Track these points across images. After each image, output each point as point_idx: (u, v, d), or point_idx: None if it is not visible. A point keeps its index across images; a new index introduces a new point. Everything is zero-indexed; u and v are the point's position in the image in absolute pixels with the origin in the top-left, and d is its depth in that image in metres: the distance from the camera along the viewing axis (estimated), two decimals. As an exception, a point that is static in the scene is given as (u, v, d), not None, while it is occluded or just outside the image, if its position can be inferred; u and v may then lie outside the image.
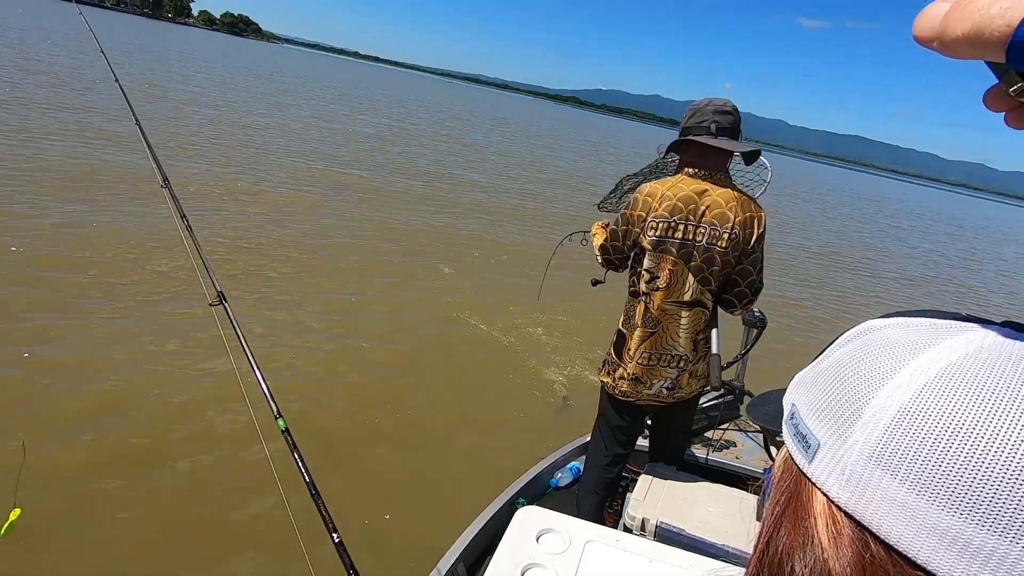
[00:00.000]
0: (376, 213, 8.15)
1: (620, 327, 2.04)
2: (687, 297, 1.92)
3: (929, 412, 0.28)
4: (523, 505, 2.12)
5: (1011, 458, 0.25)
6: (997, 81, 0.27)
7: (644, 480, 2.04)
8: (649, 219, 1.88)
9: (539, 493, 2.50)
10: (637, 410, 2.09)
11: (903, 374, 0.29)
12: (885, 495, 0.28)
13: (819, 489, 0.31)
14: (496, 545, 1.49)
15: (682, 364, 1.98)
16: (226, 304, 1.87)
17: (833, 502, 0.30)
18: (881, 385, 0.30)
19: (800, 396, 0.35)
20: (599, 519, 2.14)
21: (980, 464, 0.26)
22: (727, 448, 2.68)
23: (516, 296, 5.81)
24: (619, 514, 2.14)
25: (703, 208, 1.85)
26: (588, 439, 2.74)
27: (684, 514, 1.91)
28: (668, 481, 2.05)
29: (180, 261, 4.75)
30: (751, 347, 2.41)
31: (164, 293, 4.43)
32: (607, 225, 2.13)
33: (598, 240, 2.13)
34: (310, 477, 1.47)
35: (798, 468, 0.33)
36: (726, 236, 1.85)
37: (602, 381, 2.09)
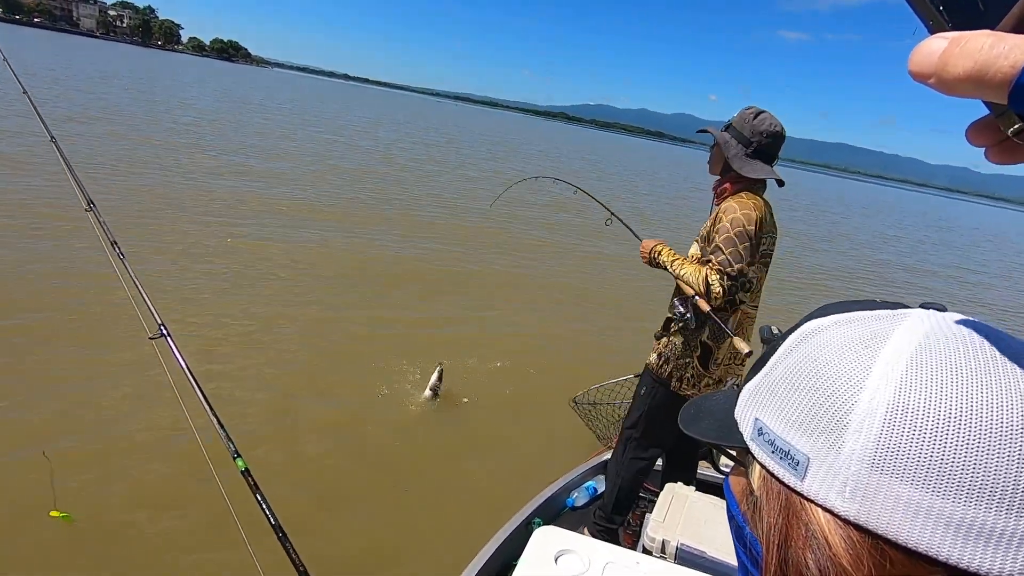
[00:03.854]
0: (321, 235, 7.49)
1: (705, 340, 2.07)
2: (760, 298, 2.12)
3: (915, 407, 0.28)
4: (539, 525, 2.09)
5: (1005, 434, 0.26)
6: (984, 114, 0.26)
7: (663, 500, 2.02)
8: (762, 236, 1.99)
9: (555, 513, 2.46)
10: None
11: (875, 373, 0.30)
12: (896, 499, 0.27)
13: (819, 506, 0.30)
14: (512, 566, 1.46)
15: (745, 361, 2.10)
16: (169, 337, 1.73)
17: (839, 516, 0.29)
18: (859, 388, 0.30)
19: (763, 410, 0.35)
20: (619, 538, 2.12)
21: (979, 446, 0.26)
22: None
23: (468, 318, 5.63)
24: (638, 535, 2.11)
25: (772, 219, 2.07)
26: (605, 458, 2.72)
27: (705, 536, 1.88)
28: (688, 501, 2.02)
29: (113, 294, 3.91)
30: (764, 355, 2.37)
31: (97, 328, 3.99)
32: (706, 260, 2.01)
33: (702, 268, 1.98)
34: (275, 519, 1.35)
35: (785, 487, 0.32)
36: (774, 242, 2.10)
37: (686, 394, 2.11)
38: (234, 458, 1.44)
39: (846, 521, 0.29)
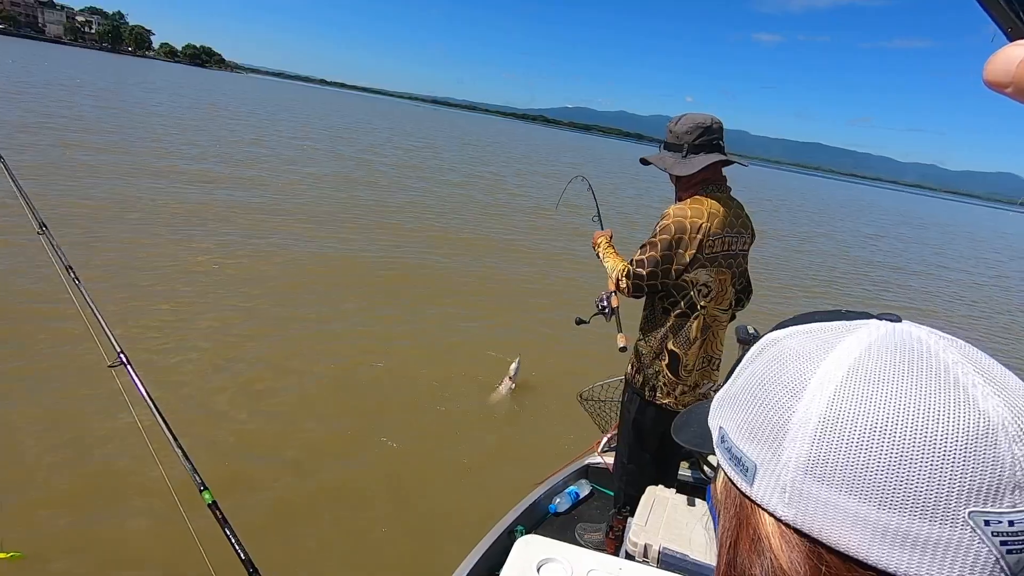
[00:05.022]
0: (290, 249, 7.09)
1: (671, 347, 2.04)
2: (729, 303, 2.07)
3: (845, 417, 0.29)
4: (522, 533, 2.08)
5: (929, 444, 0.27)
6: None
7: (644, 504, 2.01)
8: (702, 239, 1.92)
9: (538, 520, 2.45)
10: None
11: (813, 383, 0.31)
12: (827, 505, 0.29)
13: (765, 510, 0.32)
14: (495, 576, 1.44)
15: (720, 365, 2.10)
16: (129, 365, 1.65)
17: (781, 521, 0.31)
18: (797, 398, 0.31)
19: (725, 418, 0.36)
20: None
21: (903, 456, 0.27)
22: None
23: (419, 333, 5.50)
24: (621, 540, 2.11)
25: (738, 219, 2.01)
26: (586, 462, 2.71)
27: (686, 538, 1.88)
28: (669, 504, 2.02)
29: (69, 321, 3.76)
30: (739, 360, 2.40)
31: (53, 357, 3.78)
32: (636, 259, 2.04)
33: (619, 265, 2.04)
34: (245, 554, 1.30)
35: (740, 492, 0.34)
36: (748, 240, 2.06)
37: (662, 403, 2.09)
38: (201, 491, 1.38)
39: (787, 526, 0.30)
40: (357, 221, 9.34)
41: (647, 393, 2.10)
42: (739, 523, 0.34)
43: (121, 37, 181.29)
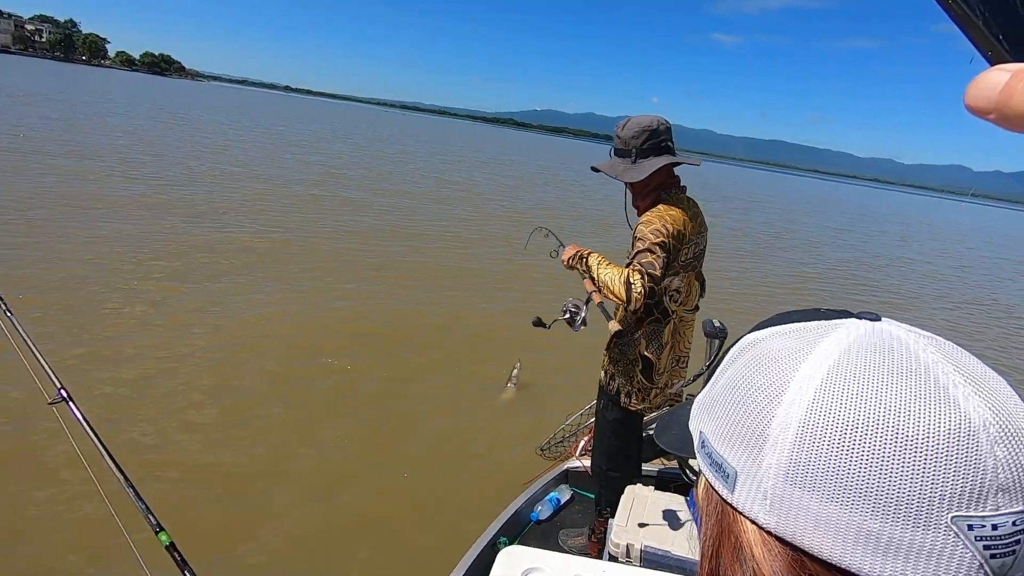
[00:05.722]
0: (246, 277, 6.36)
1: (644, 353, 2.02)
2: (694, 302, 2.08)
3: (824, 421, 0.29)
4: (505, 545, 2.07)
5: (908, 447, 0.27)
6: None
7: (624, 504, 2.03)
8: (682, 247, 1.90)
9: (520, 529, 2.44)
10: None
11: (793, 387, 0.30)
12: (808, 512, 0.28)
13: (747, 518, 0.31)
14: (481, 590, 1.43)
15: (688, 363, 2.12)
16: (70, 401, 1.53)
17: (763, 528, 0.30)
18: (777, 403, 0.31)
19: (705, 423, 0.35)
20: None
21: (882, 460, 0.27)
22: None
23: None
24: (603, 543, 2.12)
25: (698, 218, 1.99)
26: (565, 467, 2.71)
27: (667, 535, 1.90)
28: (648, 502, 2.04)
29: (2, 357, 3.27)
30: (715, 359, 2.44)
31: None
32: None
33: (623, 270, 1.86)
34: None
35: (721, 498, 0.33)
36: (706, 240, 2.06)
37: (637, 409, 2.09)
38: (156, 532, 1.28)
39: (769, 533, 0.30)
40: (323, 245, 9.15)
41: (623, 400, 2.11)
42: (721, 531, 0.33)
43: (74, 46, 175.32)
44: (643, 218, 1.91)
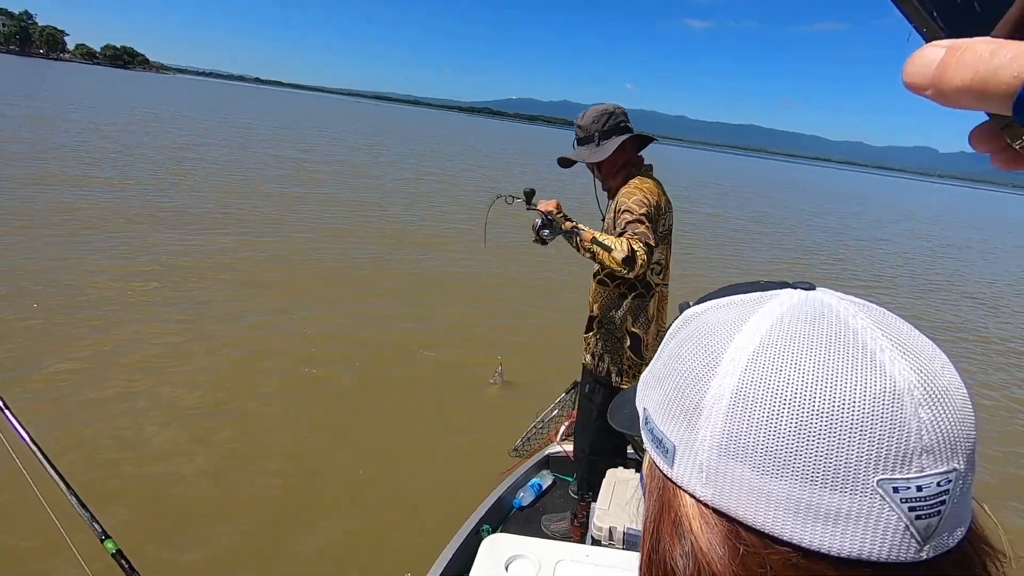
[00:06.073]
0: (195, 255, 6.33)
1: (632, 329, 2.05)
2: (671, 275, 2.12)
3: (754, 392, 0.29)
4: (488, 533, 2.07)
5: (835, 416, 0.27)
6: (985, 120, 0.24)
7: (606, 488, 2.04)
8: (660, 217, 1.97)
9: (503, 516, 2.44)
10: None
11: (726, 359, 0.31)
12: (742, 483, 0.29)
13: (686, 492, 0.31)
14: (466, 579, 1.44)
15: None
16: (6, 410, 1.47)
17: (700, 501, 0.30)
18: (711, 375, 0.31)
19: (648, 399, 0.36)
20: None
21: (808, 429, 0.27)
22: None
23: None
24: (586, 527, 2.13)
25: (667, 198, 2.05)
26: (547, 452, 2.72)
27: (648, 517, 1.92)
28: (630, 485, 2.06)
29: None
30: None
31: None
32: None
33: (620, 239, 1.84)
34: None
35: (662, 474, 0.33)
36: (673, 217, 2.10)
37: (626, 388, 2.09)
38: (102, 540, 1.23)
39: (707, 506, 0.30)
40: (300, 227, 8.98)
41: (614, 379, 2.12)
42: (662, 506, 0.33)
43: (31, 38, 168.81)
44: (622, 191, 1.95)
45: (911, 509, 0.27)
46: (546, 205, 1.98)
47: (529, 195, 2.05)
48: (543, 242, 2.00)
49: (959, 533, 0.28)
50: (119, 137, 15.95)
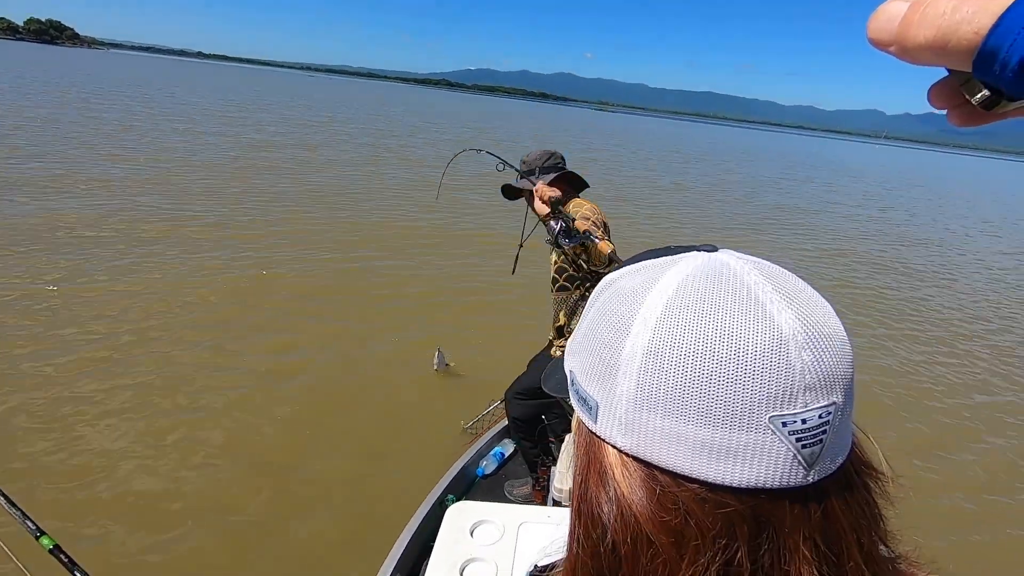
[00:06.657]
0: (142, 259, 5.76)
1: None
2: None
3: (663, 347, 0.32)
4: (452, 502, 2.10)
5: (729, 362, 0.30)
6: (944, 76, 0.25)
7: (565, 450, 2.09)
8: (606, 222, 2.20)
9: (467, 485, 2.49)
10: None
11: (639, 319, 0.33)
12: (655, 431, 0.32)
13: (608, 444, 0.34)
14: (431, 548, 1.46)
15: None
16: None
17: (621, 451, 0.34)
18: (625, 334, 0.34)
19: (573, 362, 0.39)
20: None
21: (710, 376, 0.30)
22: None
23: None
24: (547, 490, 2.19)
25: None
26: (506, 422, 2.76)
27: (607, 476, 1.98)
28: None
29: None
30: None
31: None
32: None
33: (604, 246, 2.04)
34: None
35: (588, 429, 0.36)
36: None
37: None
38: (37, 537, 1.20)
39: (626, 455, 0.33)
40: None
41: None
42: (589, 460, 0.36)
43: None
44: (571, 204, 2.19)
45: (798, 440, 0.30)
46: (544, 191, 2.17)
47: (555, 203, 2.17)
48: (559, 246, 2.18)
49: (840, 458, 0.32)
50: (48, 118, 14.86)
